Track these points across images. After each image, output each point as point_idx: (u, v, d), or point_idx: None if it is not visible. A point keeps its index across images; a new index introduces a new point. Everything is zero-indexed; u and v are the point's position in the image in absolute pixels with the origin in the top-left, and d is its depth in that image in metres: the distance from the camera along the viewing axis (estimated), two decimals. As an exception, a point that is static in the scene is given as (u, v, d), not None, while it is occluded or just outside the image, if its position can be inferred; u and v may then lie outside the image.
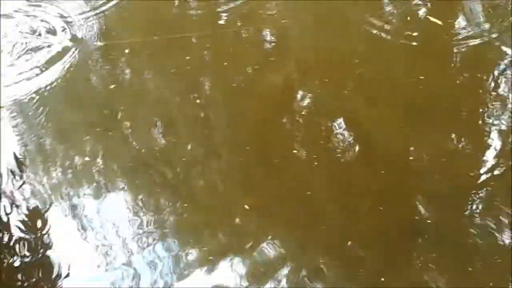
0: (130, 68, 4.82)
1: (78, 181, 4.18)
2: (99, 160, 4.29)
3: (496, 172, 3.96)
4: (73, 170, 4.24)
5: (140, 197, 4.09)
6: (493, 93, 4.33)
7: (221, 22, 5.06)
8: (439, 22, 4.74)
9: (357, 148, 4.17)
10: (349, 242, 3.77)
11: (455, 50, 4.62)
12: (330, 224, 3.87)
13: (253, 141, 4.28)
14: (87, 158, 4.29)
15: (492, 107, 4.26)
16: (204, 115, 4.47)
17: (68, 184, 4.17)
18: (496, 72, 4.44)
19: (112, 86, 4.73)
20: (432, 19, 4.77)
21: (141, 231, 3.92)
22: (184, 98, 4.58)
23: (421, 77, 4.47)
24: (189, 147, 4.30)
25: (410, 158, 4.10)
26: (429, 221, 3.80)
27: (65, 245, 3.87)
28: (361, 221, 3.89)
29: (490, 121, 4.20)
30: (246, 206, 3.97)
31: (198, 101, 4.55)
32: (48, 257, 3.81)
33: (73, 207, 4.05)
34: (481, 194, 3.89)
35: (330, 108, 4.37)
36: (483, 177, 3.95)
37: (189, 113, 4.50)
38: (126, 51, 4.93)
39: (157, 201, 4.07)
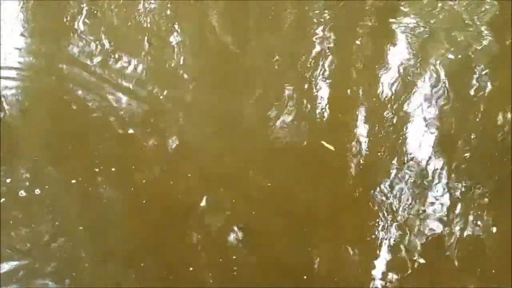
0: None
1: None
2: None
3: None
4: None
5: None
6: (383, 207, 4.56)
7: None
8: (332, 148, 4.95)
9: (254, 259, 4.26)
10: None
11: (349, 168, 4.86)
12: None
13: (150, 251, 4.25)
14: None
15: (382, 221, 4.47)
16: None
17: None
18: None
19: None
20: (325, 144, 4.97)
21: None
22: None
23: (315, 189, 4.67)
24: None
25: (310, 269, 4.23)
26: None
27: None
28: None
29: (381, 234, 4.40)
30: None
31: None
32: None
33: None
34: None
35: (229, 219, 4.44)
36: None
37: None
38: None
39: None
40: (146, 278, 4.09)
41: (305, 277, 4.14)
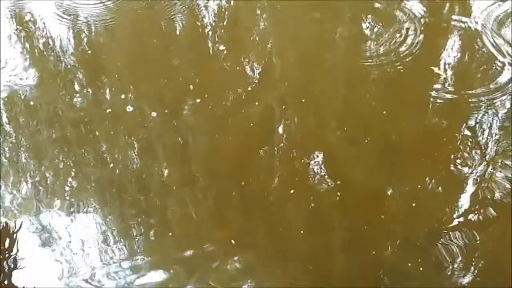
0: (110, 89, 4.79)
1: (49, 198, 4.19)
2: (71, 179, 4.28)
3: (470, 218, 3.96)
4: (45, 187, 4.25)
5: (111, 217, 4.12)
6: (470, 141, 4.32)
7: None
8: (443, 75, 4.70)
9: (332, 185, 4.15)
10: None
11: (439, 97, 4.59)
12: (298, 261, 3.88)
13: (230, 171, 4.28)
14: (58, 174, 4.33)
15: (467, 155, 4.24)
16: (183, 142, 4.44)
17: (38, 201, 4.17)
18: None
19: (88, 105, 4.72)
20: (436, 70, 4.72)
21: (109, 252, 3.94)
22: (164, 122, 4.55)
23: (399, 118, 4.46)
24: (165, 172, 4.28)
25: (385, 199, 4.09)
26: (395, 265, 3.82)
27: (30, 262, 3.89)
28: (329, 259, 3.90)
29: (465, 169, 4.18)
30: (233, 241, 3.98)
31: (177, 126, 4.53)
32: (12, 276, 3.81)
33: (42, 225, 4.05)
34: (452, 239, 3.90)
35: (308, 144, 4.35)
36: (455, 222, 3.96)
37: (168, 138, 4.48)
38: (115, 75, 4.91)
39: (128, 223, 4.07)
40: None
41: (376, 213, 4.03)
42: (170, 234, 4.06)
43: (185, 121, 4.57)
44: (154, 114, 4.56)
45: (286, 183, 4.21)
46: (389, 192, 4.14)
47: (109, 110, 4.63)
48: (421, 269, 3.81)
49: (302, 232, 3.99)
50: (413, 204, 4.04)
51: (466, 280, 3.78)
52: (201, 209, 4.16)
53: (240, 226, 4.10)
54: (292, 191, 4.14)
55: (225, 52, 4.94)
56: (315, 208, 4.08)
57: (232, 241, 3.97)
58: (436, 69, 4.69)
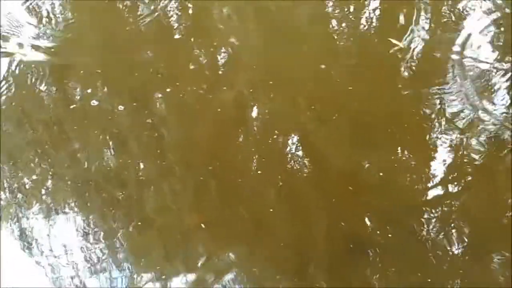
0: (80, 87, 4.77)
1: (27, 201, 4.18)
2: (48, 181, 4.27)
3: (450, 190, 4.05)
4: (22, 190, 4.23)
5: (91, 217, 4.10)
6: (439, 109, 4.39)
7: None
8: (400, 44, 4.74)
9: (309, 165, 4.21)
10: (302, 259, 3.88)
11: (405, 69, 4.66)
12: (283, 241, 3.95)
13: (207, 159, 4.30)
14: (35, 177, 4.29)
15: (437, 123, 4.31)
16: (157, 134, 4.46)
17: (16, 205, 4.16)
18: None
19: (62, 104, 4.69)
20: (393, 41, 4.75)
21: (92, 252, 3.95)
22: (136, 116, 4.55)
23: (366, 93, 4.51)
24: (141, 166, 4.29)
25: (362, 174, 4.16)
26: (377, 237, 3.90)
27: (12, 267, 3.90)
28: (313, 237, 3.97)
29: (438, 136, 4.26)
30: (203, 225, 4.00)
31: (150, 120, 4.53)
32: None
33: (22, 229, 4.04)
34: (431, 209, 3.98)
35: (282, 126, 4.38)
36: (432, 192, 4.04)
37: (142, 132, 4.49)
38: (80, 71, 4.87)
39: (109, 222, 4.08)
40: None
41: (350, 187, 4.09)
42: (150, 227, 4.09)
43: (157, 112, 4.57)
44: (121, 107, 4.55)
45: (261, 165, 4.25)
46: (363, 166, 4.19)
47: (74, 106, 4.61)
48: (390, 235, 3.90)
49: (283, 211, 4.05)
50: (386, 176, 4.12)
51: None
52: (179, 199, 4.19)
53: (222, 212, 4.13)
54: (261, 172, 4.21)
55: (191, 39, 4.94)
56: (285, 186, 4.14)
57: (202, 225, 4.02)
58: (393, 40, 4.73)
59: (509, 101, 4.37)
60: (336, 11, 5.01)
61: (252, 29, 5.01)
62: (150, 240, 4.05)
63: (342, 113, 4.41)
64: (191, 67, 4.77)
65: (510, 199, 3.97)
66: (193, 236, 4.03)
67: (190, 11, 5.12)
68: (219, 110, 4.49)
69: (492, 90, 4.44)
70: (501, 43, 4.70)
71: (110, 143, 4.42)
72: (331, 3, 5.06)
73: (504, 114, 4.30)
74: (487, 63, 4.58)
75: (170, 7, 5.15)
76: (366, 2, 5.03)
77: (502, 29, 4.78)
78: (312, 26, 4.97)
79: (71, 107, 4.62)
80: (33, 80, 4.77)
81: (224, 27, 5.03)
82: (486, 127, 4.26)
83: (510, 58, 4.58)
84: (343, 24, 4.92)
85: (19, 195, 4.25)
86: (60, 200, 4.21)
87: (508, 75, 4.49)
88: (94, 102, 4.59)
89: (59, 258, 3.98)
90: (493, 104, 4.37)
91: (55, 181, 4.31)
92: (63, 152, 4.44)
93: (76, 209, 4.18)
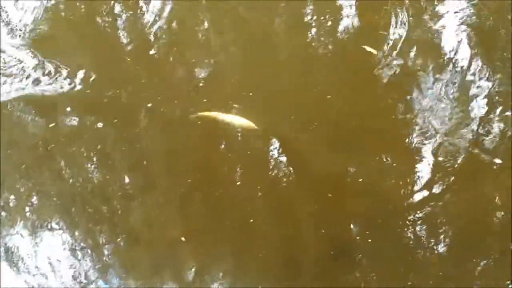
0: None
1: (12, 219, 4.16)
2: (33, 198, 4.26)
3: (434, 191, 4.11)
4: (6, 208, 4.21)
5: (78, 233, 4.10)
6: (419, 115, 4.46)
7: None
8: (375, 52, 4.80)
9: (293, 173, 4.24)
10: (288, 266, 3.93)
11: (382, 75, 4.71)
12: (268, 249, 3.98)
13: (190, 171, 4.31)
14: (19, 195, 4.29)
15: (418, 126, 4.38)
16: (139, 148, 4.46)
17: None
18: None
19: (41, 124, 4.66)
20: (367, 48, 4.82)
21: (80, 268, 3.96)
22: (119, 131, 4.55)
23: (346, 100, 4.57)
24: (126, 180, 4.29)
25: (345, 180, 4.20)
26: (362, 242, 3.96)
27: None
28: (299, 244, 4.01)
29: (419, 139, 4.32)
30: (183, 238, 4.00)
31: (132, 135, 4.54)
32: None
33: (7, 248, 4.03)
34: (415, 213, 4.04)
35: (264, 136, 4.41)
36: (417, 195, 4.09)
37: (124, 146, 4.49)
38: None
39: (95, 237, 4.08)
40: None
41: (334, 193, 4.14)
42: (136, 239, 4.10)
43: (138, 127, 4.56)
44: (100, 124, 4.54)
45: (244, 175, 4.28)
46: (347, 172, 4.24)
47: (53, 124, 4.59)
48: (369, 240, 3.95)
49: (269, 220, 4.09)
50: (369, 181, 4.17)
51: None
52: (164, 212, 4.19)
53: (207, 223, 4.14)
54: (245, 181, 4.24)
55: (170, 53, 4.97)
56: (269, 195, 4.17)
57: (182, 238, 4.03)
58: (368, 48, 4.80)
59: (485, 106, 4.46)
60: (313, 21, 5.06)
61: (231, 41, 5.04)
62: (137, 253, 4.05)
63: (322, 121, 4.46)
64: (171, 81, 4.78)
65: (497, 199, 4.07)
66: (180, 248, 4.03)
67: (173, 25, 5.16)
68: (199, 123, 4.50)
69: (468, 94, 4.53)
70: (475, 47, 4.81)
71: (94, 159, 4.41)
72: (309, 13, 5.12)
73: (479, 118, 4.39)
74: (463, 67, 4.66)
75: (148, 21, 5.18)
76: (343, 11, 5.10)
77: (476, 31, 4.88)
78: (290, 36, 5.02)
79: (50, 125, 4.58)
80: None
81: (203, 40, 5.05)
82: (464, 130, 4.33)
83: (484, 62, 4.69)
84: (321, 33, 4.97)
85: (3, 213, 4.22)
86: (46, 217, 4.19)
87: (484, 79, 4.58)
88: (74, 120, 4.57)
89: (47, 276, 3.96)
90: (470, 108, 4.44)
91: (40, 198, 4.29)
92: (47, 169, 4.41)
93: (62, 225, 4.16)
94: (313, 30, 4.99)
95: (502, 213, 4.02)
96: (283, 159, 4.30)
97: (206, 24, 5.12)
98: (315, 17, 5.06)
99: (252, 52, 4.91)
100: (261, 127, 4.44)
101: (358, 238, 3.98)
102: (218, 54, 4.93)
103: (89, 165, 4.39)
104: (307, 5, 5.12)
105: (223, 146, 4.45)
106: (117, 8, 5.25)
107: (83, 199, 4.24)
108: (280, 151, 4.34)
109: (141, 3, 5.26)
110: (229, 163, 4.34)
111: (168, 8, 5.20)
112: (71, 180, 4.33)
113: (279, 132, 4.44)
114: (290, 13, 5.15)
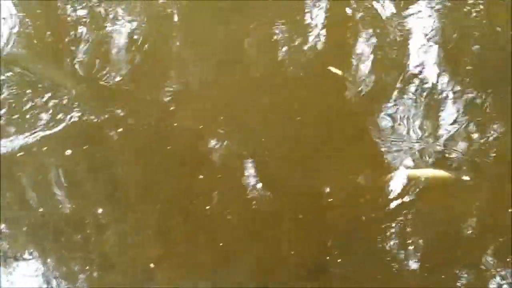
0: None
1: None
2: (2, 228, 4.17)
3: (406, 200, 4.16)
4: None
5: (51, 262, 4.02)
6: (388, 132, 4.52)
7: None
8: (339, 73, 4.85)
9: (268, 192, 4.24)
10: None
11: (350, 94, 4.76)
12: (246, 268, 3.98)
13: (164, 194, 4.28)
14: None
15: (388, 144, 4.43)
16: (110, 174, 4.42)
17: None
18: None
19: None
20: (332, 69, 4.87)
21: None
22: (89, 155, 4.50)
23: (316, 120, 4.61)
24: (99, 210, 4.22)
25: (321, 196, 4.23)
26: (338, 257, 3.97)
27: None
28: (275, 262, 4.00)
29: (391, 157, 4.38)
30: (152, 265, 3.97)
31: (102, 160, 4.49)
32: None
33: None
34: (392, 224, 4.07)
35: (236, 158, 4.42)
36: (391, 206, 4.13)
37: (94, 173, 4.44)
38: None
39: (68, 266, 4.00)
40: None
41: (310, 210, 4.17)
42: (112, 268, 4.03)
43: (109, 152, 4.53)
44: (68, 152, 4.48)
45: (219, 197, 4.26)
46: (320, 189, 4.26)
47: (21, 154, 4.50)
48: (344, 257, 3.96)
49: (243, 241, 4.08)
50: (343, 196, 4.20)
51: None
52: (139, 238, 4.13)
53: (181, 246, 4.10)
54: (220, 203, 4.22)
55: (141, 76, 4.96)
56: (245, 215, 4.17)
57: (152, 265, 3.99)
58: (333, 69, 4.85)
59: (453, 119, 4.53)
60: (283, 39, 5.11)
61: (201, 61, 5.05)
62: (113, 281, 3.97)
63: (293, 142, 4.50)
64: (142, 106, 4.75)
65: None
66: (154, 273, 3.97)
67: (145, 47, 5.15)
68: (169, 148, 4.48)
69: (437, 108, 4.60)
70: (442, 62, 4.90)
71: (65, 185, 4.34)
72: (279, 32, 5.16)
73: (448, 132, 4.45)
74: (433, 82, 4.76)
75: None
76: (310, 31, 5.14)
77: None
78: (260, 55, 5.06)
79: (18, 155, 4.50)
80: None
81: (174, 61, 5.06)
82: (431, 148, 4.39)
83: (450, 77, 4.78)
84: (291, 51, 5.02)
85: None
86: (18, 247, 4.09)
87: (450, 95, 4.67)
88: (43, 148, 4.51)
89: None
90: (438, 123, 4.51)
91: (9, 227, 4.19)
92: (15, 197, 4.33)
93: (35, 254, 4.06)
94: (284, 49, 5.04)
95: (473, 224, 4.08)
96: (257, 180, 4.30)
97: (177, 43, 5.14)
98: (285, 35, 5.12)
99: (222, 73, 4.94)
100: (235, 148, 4.44)
101: (333, 255, 3.98)
102: (187, 75, 4.95)
103: (58, 193, 4.32)
104: (275, 24, 5.19)
105: (198, 173, 4.40)
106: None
107: (54, 227, 4.15)
108: (253, 172, 4.33)
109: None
110: (204, 187, 4.31)
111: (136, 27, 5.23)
112: (41, 209, 4.25)
113: (250, 153, 4.44)
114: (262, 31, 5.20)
